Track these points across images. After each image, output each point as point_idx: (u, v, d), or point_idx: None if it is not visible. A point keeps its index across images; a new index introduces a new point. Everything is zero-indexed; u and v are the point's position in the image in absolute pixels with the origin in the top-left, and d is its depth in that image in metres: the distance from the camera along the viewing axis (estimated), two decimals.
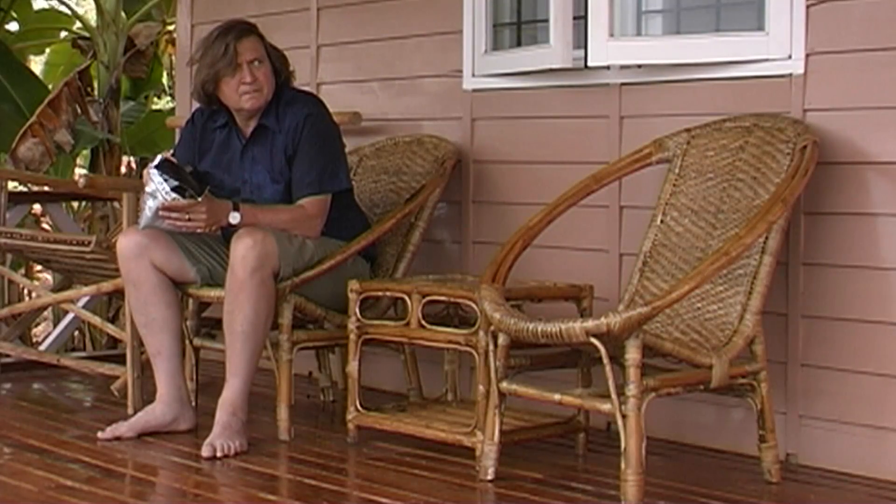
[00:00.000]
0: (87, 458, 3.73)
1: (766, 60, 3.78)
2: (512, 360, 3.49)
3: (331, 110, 4.26)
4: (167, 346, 4.06)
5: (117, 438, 3.98)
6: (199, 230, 3.97)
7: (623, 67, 4.16)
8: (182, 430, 4.03)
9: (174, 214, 3.92)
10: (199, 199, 3.88)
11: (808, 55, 3.71)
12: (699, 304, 3.58)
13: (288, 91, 4.20)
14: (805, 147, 3.56)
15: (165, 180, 3.88)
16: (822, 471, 3.65)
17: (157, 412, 4.06)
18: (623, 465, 3.17)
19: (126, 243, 4.04)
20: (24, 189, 7.55)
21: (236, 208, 3.98)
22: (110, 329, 4.76)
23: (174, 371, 4.07)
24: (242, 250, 3.81)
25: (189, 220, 3.92)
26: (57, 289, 5.31)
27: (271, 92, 4.12)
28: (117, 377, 4.51)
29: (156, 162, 3.92)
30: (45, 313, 7.96)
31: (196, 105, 4.32)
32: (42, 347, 5.85)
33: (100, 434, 4.01)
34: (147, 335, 4.09)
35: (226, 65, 4.04)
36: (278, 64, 4.17)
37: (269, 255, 3.84)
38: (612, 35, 4.08)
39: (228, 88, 4.08)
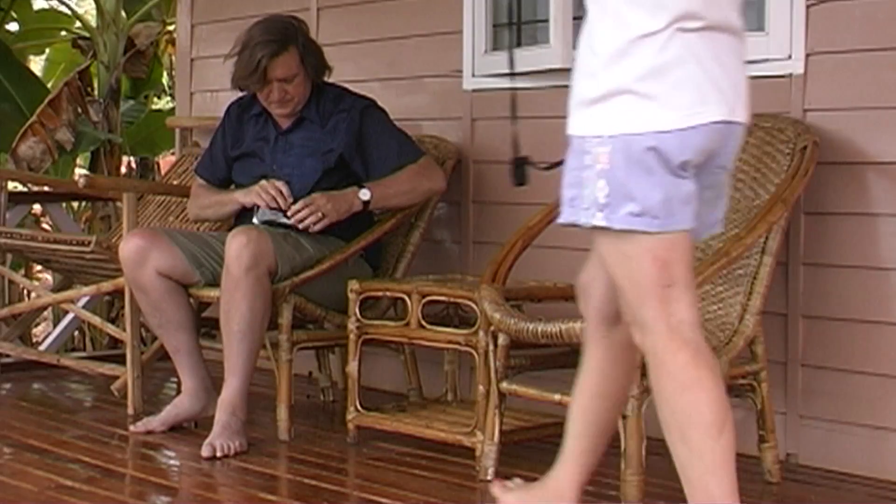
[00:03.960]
0: (87, 458, 3.73)
1: (766, 60, 3.78)
2: (512, 360, 3.49)
3: None
4: (185, 343, 4.10)
5: (149, 432, 4.04)
6: (335, 219, 4.04)
7: None
8: (211, 416, 4.00)
9: (306, 221, 4.00)
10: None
11: (808, 55, 3.71)
12: (699, 305, 3.56)
13: (332, 87, 4.27)
14: (805, 147, 3.56)
15: (275, 221, 4.05)
16: (822, 471, 3.65)
17: (185, 405, 4.11)
18: (623, 465, 3.17)
19: (127, 251, 4.05)
20: (24, 189, 7.54)
21: (360, 188, 4.10)
22: (110, 329, 4.76)
23: (195, 364, 4.11)
24: (237, 249, 3.81)
25: (322, 215, 4.01)
26: (57, 289, 5.31)
27: (303, 99, 4.18)
28: (117, 377, 4.52)
29: (258, 222, 4.09)
30: (45, 313, 7.95)
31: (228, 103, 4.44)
32: (42, 347, 5.84)
33: (131, 427, 4.07)
34: (163, 335, 4.14)
35: (254, 81, 4.10)
36: (314, 63, 4.18)
37: (263, 253, 3.84)
38: None
39: (261, 96, 4.17)
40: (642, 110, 2.39)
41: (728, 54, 2.46)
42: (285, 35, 4.12)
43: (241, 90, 4.25)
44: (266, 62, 4.05)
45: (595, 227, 2.44)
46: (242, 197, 4.17)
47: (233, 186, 4.38)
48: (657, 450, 3.64)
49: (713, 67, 2.42)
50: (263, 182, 4.11)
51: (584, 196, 2.44)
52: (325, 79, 4.28)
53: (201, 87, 5.81)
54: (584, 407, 2.78)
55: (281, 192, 4.06)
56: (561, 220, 2.51)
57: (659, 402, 2.50)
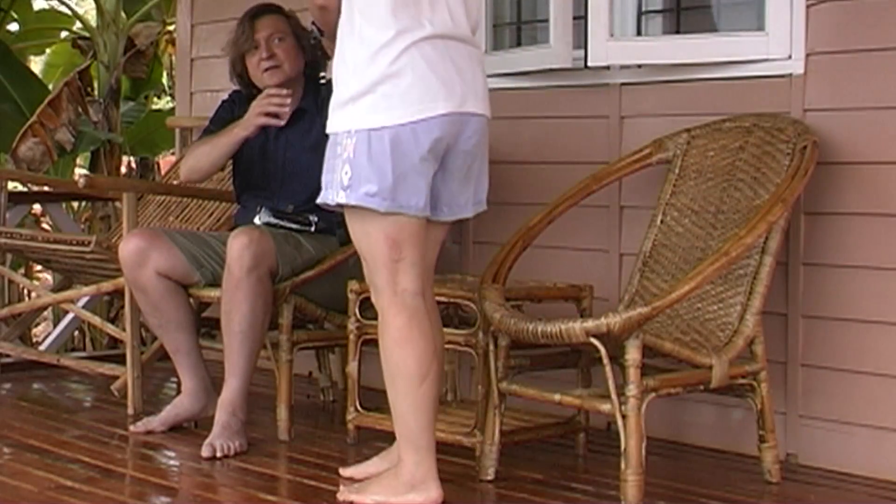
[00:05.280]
0: (87, 458, 3.73)
1: (766, 60, 3.79)
2: (512, 361, 3.49)
3: None
4: (184, 343, 4.10)
5: (149, 432, 4.04)
6: None
7: (623, 67, 4.16)
8: (210, 415, 4.00)
9: None
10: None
11: (808, 55, 3.71)
12: (699, 305, 3.58)
13: (331, 83, 4.21)
14: (805, 147, 3.56)
15: (277, 224, 4.07)
16: (822, 471, 3.65)
17: (185, 405, 4.11)
18: (623, 465, 3.17)
19: (127, 252, 4.04)
20: (24, 189, 7.54)
21: None
22: (110, 329, 4.76)
23: (194, 364, 4.12)
24: (238, 249, 3.81)
25: None
26: (57, 289, 5.31)
27: (294, 69, 4.19)
28: (117, 377, 4.51)
29: (260, 223, 4.07)
30: (45, 313, 7.96)
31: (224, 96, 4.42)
32: (42, 347, 5.85)
33: (131, 427, 4.08)
34: (163, 335, 4.14)
35: (244, 41, 4.17)
36: (308, 43, 4.17)
37: (265, 254, 3.84)
38: (612, 35, 4.09)
39: (252, 66, 4.19)
40: (381, 108, 2.94)
41: (462, 58, 3.02)
42: (268, 5, 4.27)
43: (239, 81, 4.25)
44: (251, 21, 4.17)
45: (339, 204, 2.99)
46: (243, 130, 4.03)
47: (229, 170, 4.36)
48: (657, 450, 3.66)
49: (444, 69, 2.97)
50: (255, 101, 4.04)
51: (334, 179, 2.98)
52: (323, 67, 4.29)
53: (201, 87, 5.81)
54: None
55: (281, 97, 3.99)
56: (318, 200, 3.05)
57: (381, 351, 3.08)
